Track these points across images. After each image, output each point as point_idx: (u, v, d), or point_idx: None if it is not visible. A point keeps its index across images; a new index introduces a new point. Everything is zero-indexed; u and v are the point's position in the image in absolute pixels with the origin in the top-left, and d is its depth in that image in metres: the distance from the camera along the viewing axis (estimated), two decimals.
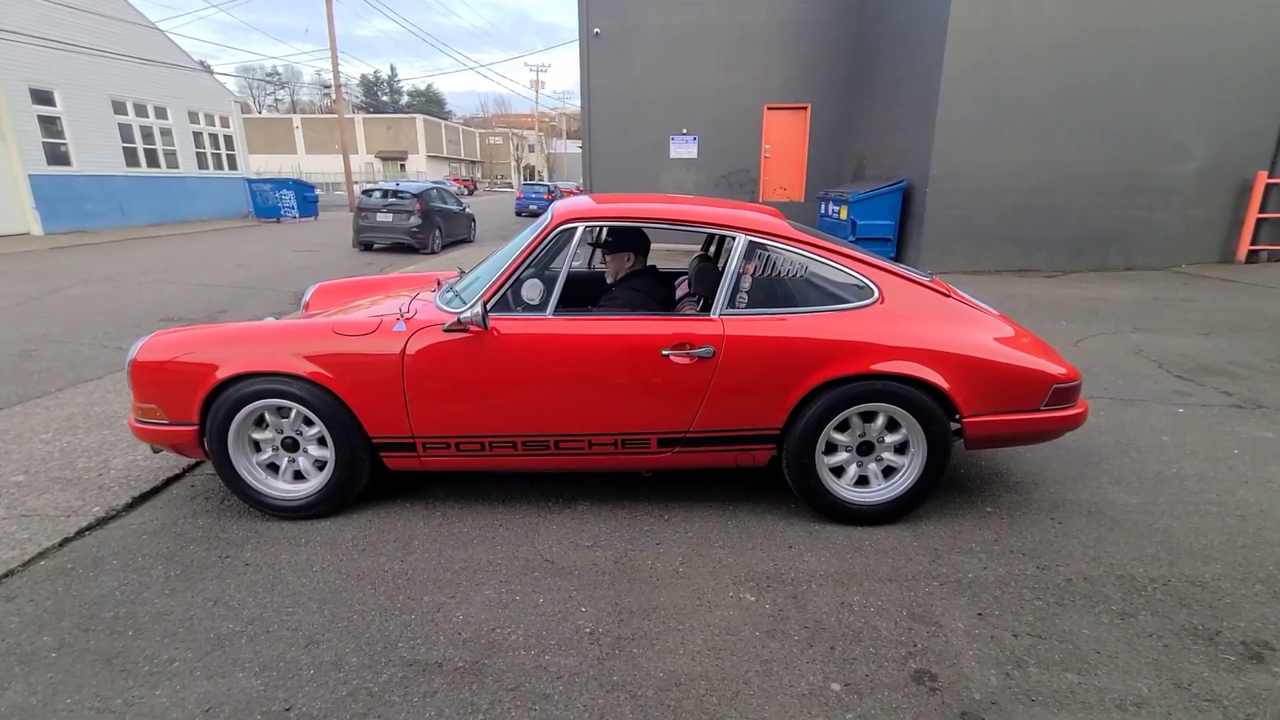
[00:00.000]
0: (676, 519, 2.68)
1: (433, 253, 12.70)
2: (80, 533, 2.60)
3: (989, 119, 9.02)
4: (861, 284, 2.57)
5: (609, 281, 3.09)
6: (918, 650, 1.91)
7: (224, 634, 1.99)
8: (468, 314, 2.40)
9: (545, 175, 61.78)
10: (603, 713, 1.69)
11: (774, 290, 2.57)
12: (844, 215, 10.28)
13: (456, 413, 2.54)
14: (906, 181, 9.96)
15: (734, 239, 2.57)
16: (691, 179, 13.97)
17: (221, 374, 2.49)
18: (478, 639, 1.97)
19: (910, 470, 2.56)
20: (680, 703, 1.72)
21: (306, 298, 3.78)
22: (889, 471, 2.62)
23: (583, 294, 3.23)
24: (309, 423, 2.61)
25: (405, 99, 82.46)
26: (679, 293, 3.29)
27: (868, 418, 2.54)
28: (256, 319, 3.73)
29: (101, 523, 2.68)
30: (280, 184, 20.12)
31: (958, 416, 2.50)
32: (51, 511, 2.75)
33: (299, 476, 2.71)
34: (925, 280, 2.70)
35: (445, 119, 61.71)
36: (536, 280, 2.49)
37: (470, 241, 14.99)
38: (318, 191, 21.63)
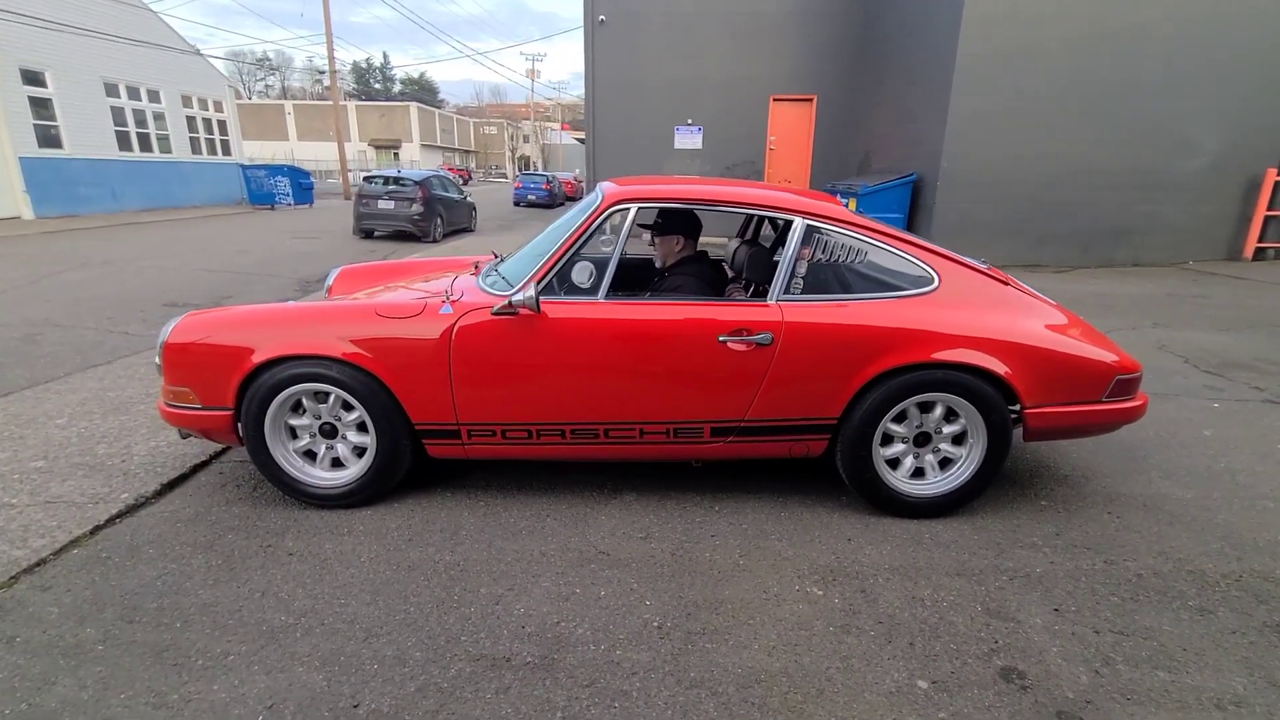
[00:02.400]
0: (728, 510, 2.61)
1: (434, 241, 12.53)
2: (111, 520, 2.50)
3: (1001, 111, 8.97)
4: (921, 270, 2.50)
5: (659, 266, 3.00)
6: (1000, 647, 1.85)
7: (276, 626, 1.91)
8: (519, 296, 2.31)
9: (540, 166, 61.38)
10: (685, 710, 1.63)
11: (830, 276, 2.50)
12: (852, 207, 10.20)
13: (504, 399, 2.46)
14: (916, 175, 9.90)
15: (791, 222, 2.49)
16: (696, 170, 13.85)
17: (259, 357, 2.39)
18: (543, 633, 1.90)
19: (969, 462, 2.51)
20: (764, 700, 1.66)
21: (330, 281, 3.68)
22: (945, 463, 2.57)
23: (631, 278, 3.14)
24: (348, 408, 2.52)
25: (398, 87, 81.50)
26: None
27: (925, 408, 2.48)
28: (279, 301, 3.62)
29: (132, 509, 2.58)
30: (275, 170, 19.80)
31: (1018, 407, 2.45)
32: (78, 498, 2.64)
33: (337, 464, 2.62)
34: (983, 268, 2.64)
35: (439, 107, 61.04)
36: (587, 263, 2.41)
37: (471, 230, 14.82)
38: (312, 179, 21.32)
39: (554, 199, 23.57)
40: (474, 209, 15.00)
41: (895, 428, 2.50)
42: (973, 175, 9.26)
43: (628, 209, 2.49)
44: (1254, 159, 9.21)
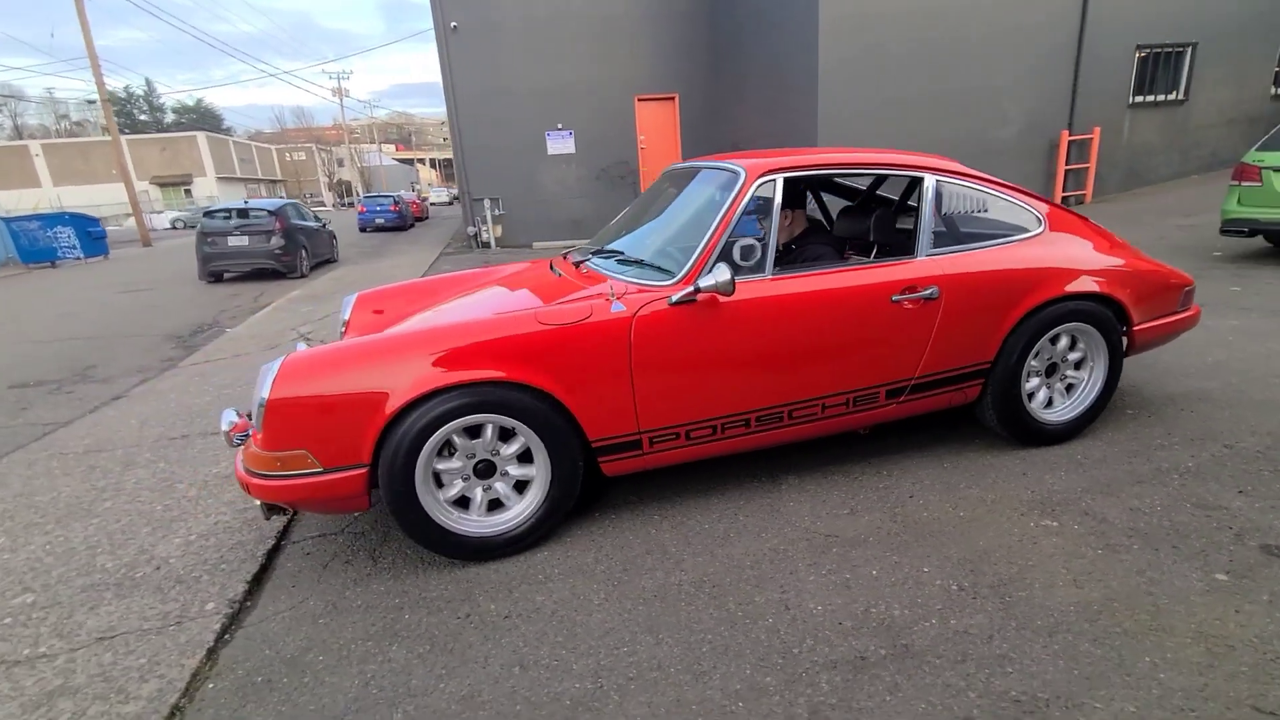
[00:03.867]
0: (897, 472, 2.61)
1: (303, 275, 11.18)
2: (221, 638, 1.92)
3: (862, 94, 9.92)
4: (1031, 212, 2.69)
5: (783, 241, 2.90)
6: (1239, 530, 2.04)
7: (578, 696, 1.58)
8: (708, 281, 2.12)
9: (361, 190, 57.13)
10: (1072, 656, 1.60)
11: (960, 226, 2.60)
12: None
13: (687, 395, 2.24)
14: None
15: (921, 179, 2.55)
16: (572, 173, 13.75)
17: (403, 396, 1.97)
18: (865, 624, 1.76)
19: (1093, 384, 2.74)
20: (1116, 628, 1.68)
21: (346, 313, 3.14)
22: (1069, 389, 2.78)
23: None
24: (504, 438, 2.16)
25: (170, 117, 71.46)
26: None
27: (1054, 340, 2.67)
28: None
29: (235, 619, 2.00)
30: (51, 220, 16.44)
31: (1127, 327, 2.72)
32: (139, 624, 2.00)
33: (494, 506, 2.23)
34: (1062, 206, 2.89)
35: (227, 135, 54.28)
36: (752, 241, 2.28)
37: (335, 261, 13.42)
38: (102, 225, 17.99)
39: (404, 220, 22.07)
40: (334, 237, 13.61)
41: (1032, 363, 2.65)
42: None
43: (774, 180, 2.39)
44: (1050, 124, 11.05)
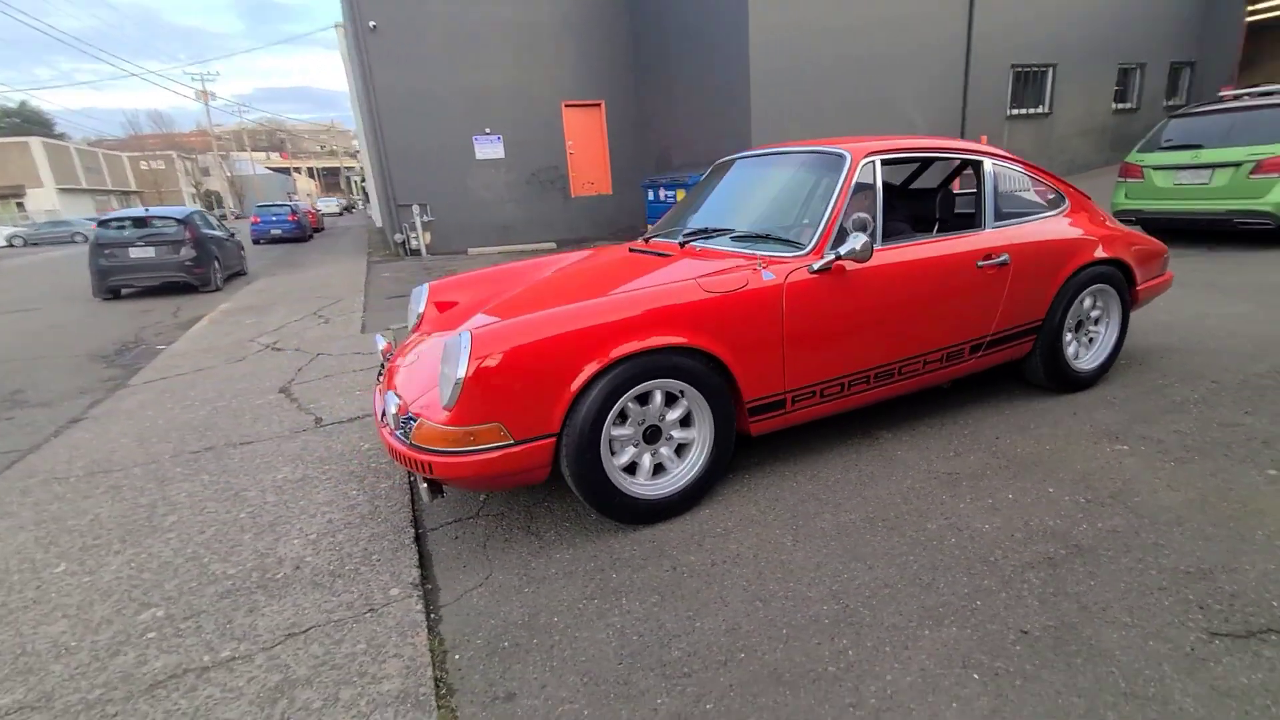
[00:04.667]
0: (969, 421, 2.95)
1: (217, 289, 10.27)
2: (430, 617, 1.89)
3: (790, 102, 10.62)
4: (1056, 191, 3.14)
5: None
6: (1263, 438, 2.53)
7: (835, 615, 1.73)
8: (848, 248, 2.34)
9: (231, 201, 52.58)
10: (1201, 536, 1.96)
11: (1010, 203, 2.99)
12: (681, 196, 11.09)
13: (823, 356, 2.45)
14: None
15: (982, 163, 2.92)
16: (501, 179, 13.58)
17: (596, 362, 2.03)
18: (1032, 534, 2.04)
19: (1110, 336, 3.23)
20: (1221, 516, 2.06)
21: (420, 305, 3.07)
22: (1090, 342, 3.25)
23: None
24: (668, 403, 2.27)
25: None
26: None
27: (1082, 300, 3.13)
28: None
29: (429, 601, 1.97)
30: None
31: (1132, 287, 3.23)
32: (329, 616, 1.92)
33: (656, 470, 2.32)
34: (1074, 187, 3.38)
35: (62, 141, 47.98)
36: (864, 215, 2.53)
37: (245, 274, 12.40)
38: None
39: (303, 231, 20.67)
40: (242, 247, 12.58)
41: (1069, 319, 3.10)
42: None
43: (874, 161, 2.65)
44: (948, 132, 12.33)
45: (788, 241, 2.52)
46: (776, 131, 10.58)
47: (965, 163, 3.01)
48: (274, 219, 19.94)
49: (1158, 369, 3.40)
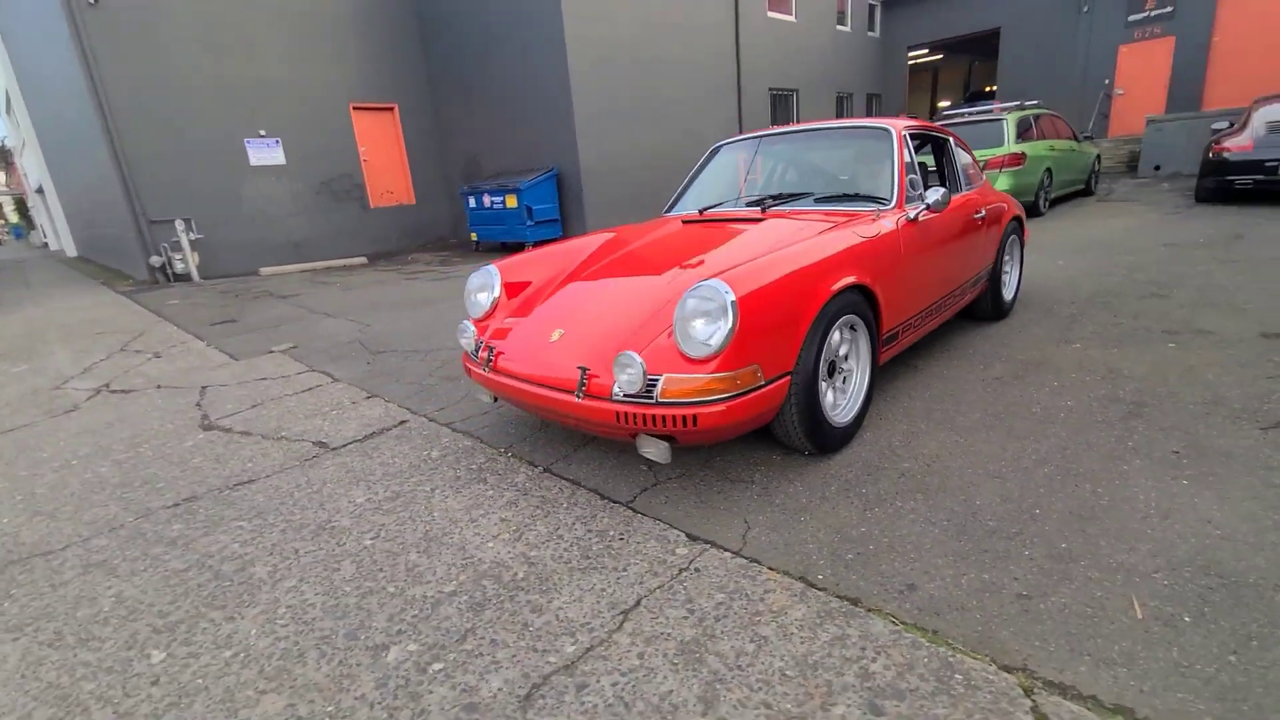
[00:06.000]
0: (966, 349, 3.67)
1: None
2: (750, 559, 1.88)
3: (610, 113, 11.21)
4: (981, 165, 4.05)
5: None
6: (1183, 329, 3.64)
7: (1089, 496, 2.17)
8: (932, 200, 2.83)
9: None
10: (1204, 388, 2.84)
11: (961, 176, 3.80)
12: (513, 203, 10.97)
13: (915, 291, 2.90)
14: (556, 168, 11.34)
15: (948, 141, 3.66)
16: (286, 188, 11.87)
17: (817, 303, 2.21)
18: (1115, 395, 2.73)
19: (1017, 270, 4.25)
20: (1195, 390, 3.00)
21: (497, 286, 2.85)
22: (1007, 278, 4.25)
23: None
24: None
25: None
26: None
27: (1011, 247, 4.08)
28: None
29: (731, 551, 1.95)
30: None
31: (1022, 234, 4.30)
32: (662, 592, 1.79)
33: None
34: None
35: None
36: (917, 176, 3.06)
37: None
38: None
39: None
40: None
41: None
42: (602, 164, 11.30)
43: (906, 134, 3.19)
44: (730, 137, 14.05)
45: (873, 198, 2.93)
46: (598, 137, 11.07)
47: (940, 141, 3.73)
48: None
49: (1047, 306, 4.56)
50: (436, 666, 1.60)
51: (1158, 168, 12.14)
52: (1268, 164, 7.71)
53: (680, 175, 12.79)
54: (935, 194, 2.84)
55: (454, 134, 13.33)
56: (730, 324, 1.95)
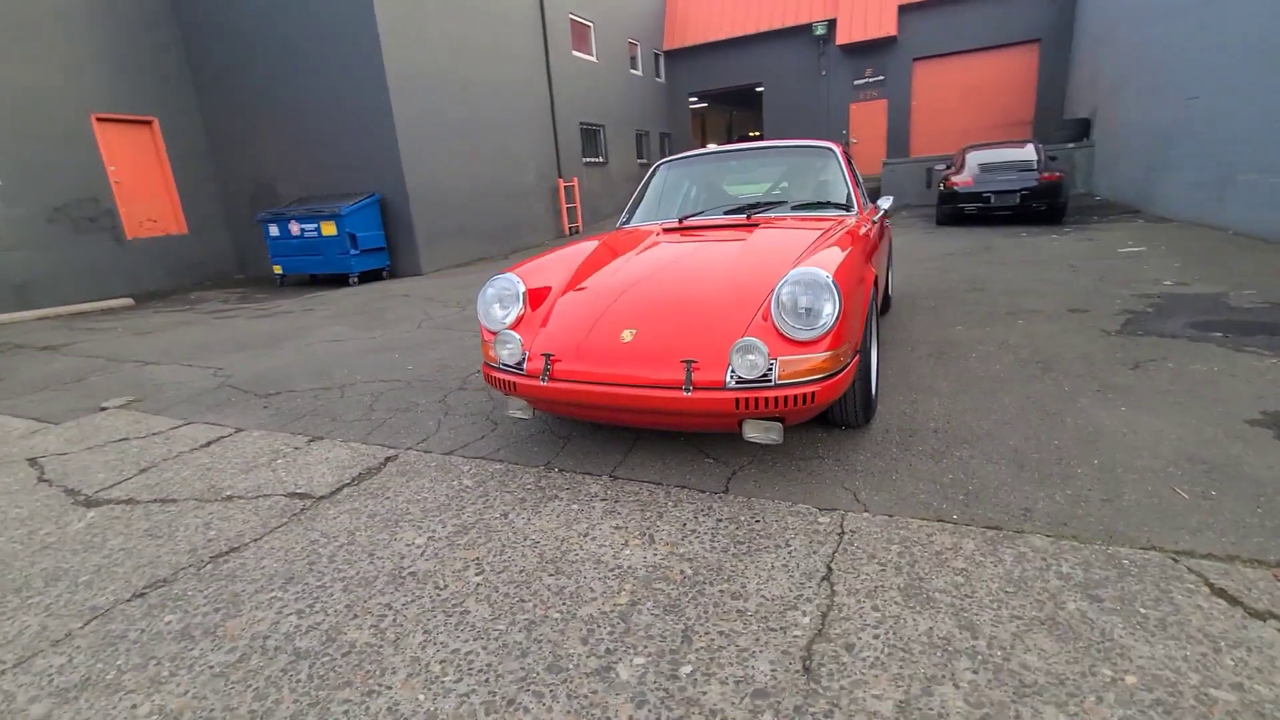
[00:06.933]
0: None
1: None
2: (888, 522, 2.06)
3: (435, 143, 10.74)
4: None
5: None
6: (1083, 307, 4.62)
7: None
8: (888, 206, 3.33)
9: None
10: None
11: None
12: (331, 231, 9.90)
13: (879, 283, 3.36)
14: (379, 195, 10.50)
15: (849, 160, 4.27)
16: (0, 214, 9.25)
17: (870, 283, 2.52)
18: (1115, 360, 3.43)
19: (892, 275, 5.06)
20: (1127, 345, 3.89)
21: (519, 303, 2.68)
22: None
23: None
24: None
25: None
26: None
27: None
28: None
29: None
30: None
31: None
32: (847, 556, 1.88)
33: None
34: None
35: None
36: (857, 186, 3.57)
37: None
38: None
39: None
40: None
41: None
42: (431, 192, 10.75)
43: (842, 150, 3.69)
44: (550, 174, 14.31)
45: (841, 205, 3.35)
46: (425, 161, 10.54)
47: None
48: None
49: (943, 297, 5.46)
50: (686, 669, 1.50)
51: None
52: (984, 195, 10.11)
53: (513, 207, 12.68)
54: (886, 202, 3.37)
55: (236, 155, 11.62)
56: (837, 304, 2.13)
